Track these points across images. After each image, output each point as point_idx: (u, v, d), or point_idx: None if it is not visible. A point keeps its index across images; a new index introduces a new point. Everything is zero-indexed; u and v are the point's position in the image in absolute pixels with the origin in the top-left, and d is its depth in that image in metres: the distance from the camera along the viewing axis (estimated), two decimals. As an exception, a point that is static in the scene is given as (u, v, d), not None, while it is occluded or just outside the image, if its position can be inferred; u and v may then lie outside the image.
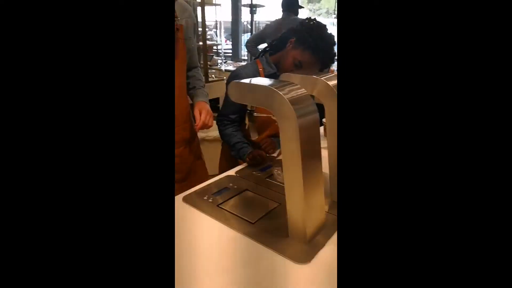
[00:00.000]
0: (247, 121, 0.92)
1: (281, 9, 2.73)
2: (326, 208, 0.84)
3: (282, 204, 0.87)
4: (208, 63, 3.16)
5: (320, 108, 0.73)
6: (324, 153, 0.76)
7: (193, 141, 1.18)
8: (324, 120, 1.25)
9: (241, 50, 5.85)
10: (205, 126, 1.05)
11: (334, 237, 0.74)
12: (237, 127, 1.22)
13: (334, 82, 0.82)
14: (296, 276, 0.63)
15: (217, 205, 0.87)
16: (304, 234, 0.70)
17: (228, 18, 5.88)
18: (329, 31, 1.15)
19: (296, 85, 0.70)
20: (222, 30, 5.61)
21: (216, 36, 5.90)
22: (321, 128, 1.32)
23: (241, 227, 0.77)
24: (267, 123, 1.22)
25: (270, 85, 0.67)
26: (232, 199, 0.91)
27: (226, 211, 0.84)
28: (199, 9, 3.02)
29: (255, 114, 0.99)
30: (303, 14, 2.84)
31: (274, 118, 1.20)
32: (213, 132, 1.31)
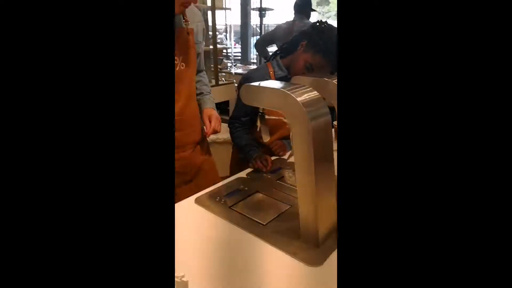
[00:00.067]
0: (258, 124, 0.92)
1: (293, 11, 2.72)
2: (338, 210, 0.84)
3: (293, 206, 0.87)
4: (218, 66, 3.18)
5: (331, 111, 0.73)
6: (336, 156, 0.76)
7: (202, 142, 1.19)
8: (335, 123, 1.25)
9: (251, 53, 5.88)
10: (215, 132, 1.11)
11: (346, 240, 0.74)
12: (247, 130, 1.23)
13: (346, 84, 0.82)
14: (308, 279, 0.63)
15: (229, 207, 0.87)
16: (316, 236, 0.70)
17: (238, 21, 5.91)
18: None
19: (308, 87, 0.70)
20: (232, 34, 5.64)
21: (226, 39, 5.94)
22: (332, 131, 1.31)
23: (252, 229, 0.77)
24: (278, 125, 1.23)
25: (282, 87, 0.68)
26: (244, 201, 0.91)
27: (237, 213, 0.85)
28: (209, 13, 3.05)
29: (266, 116, 1.00)
30: (312, 16, 2.84)
31: (285, 120, 1.20)
32: (223, 134, 1.32)
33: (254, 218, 0.82)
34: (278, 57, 1.25)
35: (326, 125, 0.68)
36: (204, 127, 1.14)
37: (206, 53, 2.92)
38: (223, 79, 3.44)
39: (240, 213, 0.85)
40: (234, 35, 6.44)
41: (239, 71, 3.92)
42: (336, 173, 0.73)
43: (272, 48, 3.54)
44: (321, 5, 11.63)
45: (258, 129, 0.94)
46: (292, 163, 0.89)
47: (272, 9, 4.84)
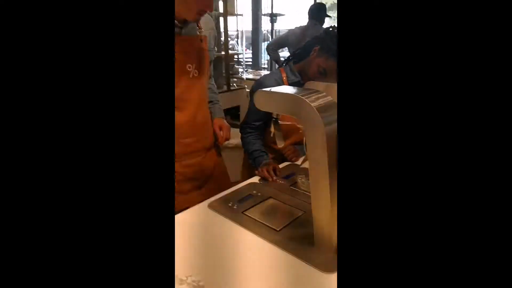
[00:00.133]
0: (272, 129, 0.92)
1: (307, 17, 2.72)
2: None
3: (306, 212, 0.86)
4: (230, 72, 3.21)
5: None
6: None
7: (213, 148, 1.20)
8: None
9: (262, 58, 5.90)
10: (226, 140, 1.20)
11: (361, 247, 0.73)
12: (258, 136, 1.23)
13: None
14: (323, 285, 0.63)
15: (242, 212, 0.87)
16: (331, 242, 0.70)
17: (249, 27, 5.96)
18: None
19: (322, 92, 0.70)
20: (244, 40, 5.68)
21: (238, 45, 5.98)
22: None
23: (266, 235, 0.77)
24: (291, 131, 1.23)
25: (296, 93, 0.68)
26: (257, 206, 0.91)
27: (250, 218, 0.85)
28: (221, 19, 3.08)
29: (280, 122, 1.00)
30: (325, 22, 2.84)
31: (298, 125, 1.20)
32: (234, 140, 1.34)
33: (267, 224, 0.82)
34: (291, 63, 1.25)
35: (341, 130, 0.68)
36: (216, 135, 1.19)
37: (218, 58, 2.94)
38: (234, 84, 3.46)
39: (253, 218, 0.85)
40: (245, 41, 6.48)
41: (250, 76, 3.93)
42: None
43: (283, 53, 3.54)
44: (331, 10, 11.62)
45: (272, 135, 0.94)
46: (306, 168, 0.88)
47: (283, 15, 4.86)
